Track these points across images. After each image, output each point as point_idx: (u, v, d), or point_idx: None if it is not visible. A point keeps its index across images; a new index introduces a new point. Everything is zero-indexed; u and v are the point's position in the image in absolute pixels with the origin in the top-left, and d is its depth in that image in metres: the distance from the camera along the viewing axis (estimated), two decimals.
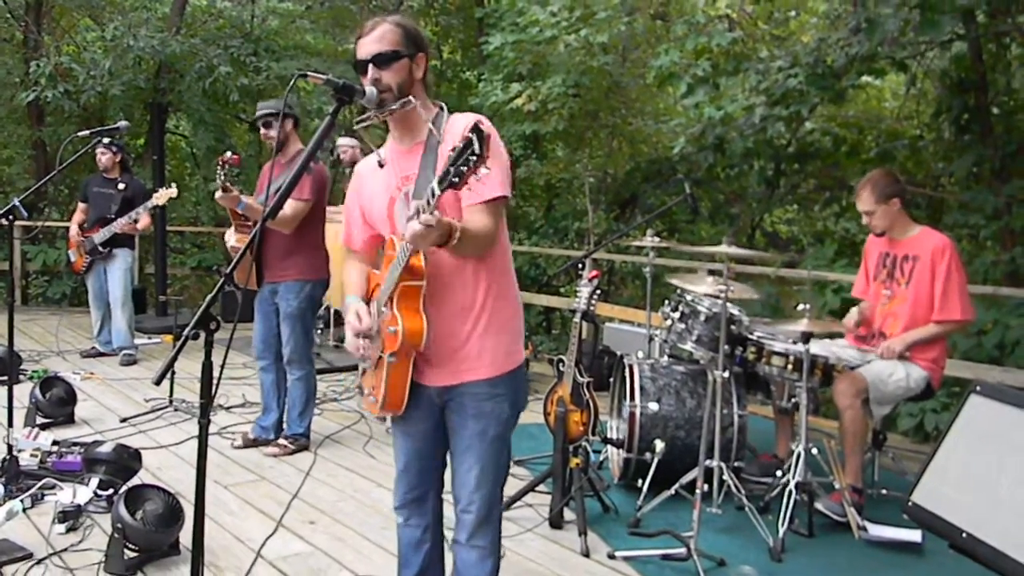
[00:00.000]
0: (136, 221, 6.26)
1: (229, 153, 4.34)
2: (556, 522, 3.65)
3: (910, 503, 2.56)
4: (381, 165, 2.27)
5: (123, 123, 4.18)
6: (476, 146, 1.78)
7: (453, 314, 2.22)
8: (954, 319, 3.81)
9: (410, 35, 2.22)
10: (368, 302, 2.32)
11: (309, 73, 2.13)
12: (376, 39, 2.19)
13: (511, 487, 3.92)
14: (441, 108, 2.29)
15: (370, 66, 2.17)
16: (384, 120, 2.25)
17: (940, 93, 8.22)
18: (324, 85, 2.07)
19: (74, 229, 6.54)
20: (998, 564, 2.22)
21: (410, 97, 2.18)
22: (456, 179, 1.80)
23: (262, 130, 4.52)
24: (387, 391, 2.21)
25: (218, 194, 4.27)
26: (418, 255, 2.11)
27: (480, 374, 2.25)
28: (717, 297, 3.70)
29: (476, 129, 1.77)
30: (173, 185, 6.11)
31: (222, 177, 4.22)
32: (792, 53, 7.17)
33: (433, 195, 1.85)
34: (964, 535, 2.34)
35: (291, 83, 2.22)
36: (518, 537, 3.53)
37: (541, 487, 3.89)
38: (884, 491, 4.04)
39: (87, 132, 4.06)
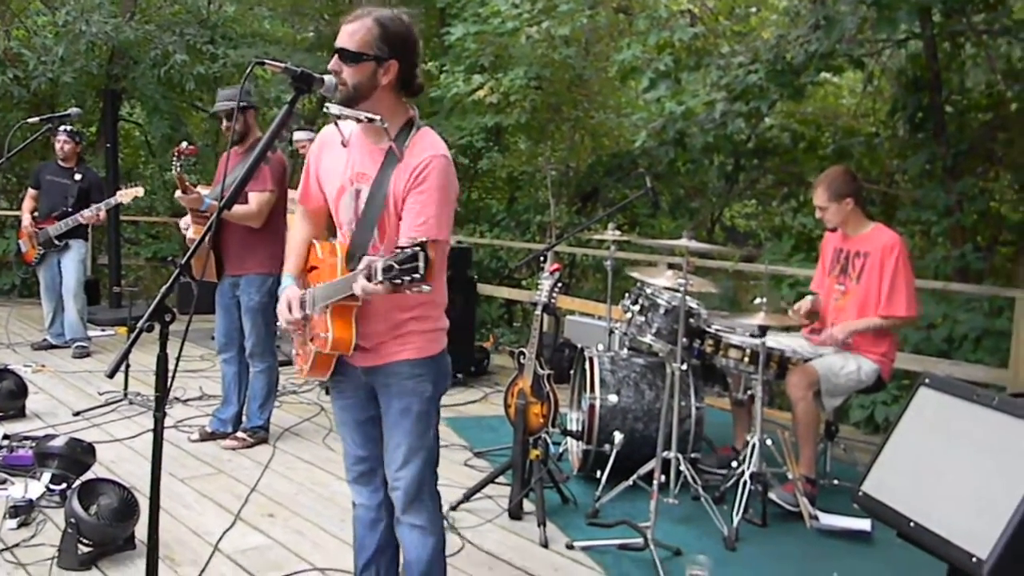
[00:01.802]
0: (95, 215, 6.14)
1: (185, 144, 4.27)
2: (515, 513, 3.67)
3: (860, 493, 2.62)
4: (344, 145, 2.30)
5: (75, 110, 4.10)
6: (421, 268, 1.86)
7: (381, 317, 2.28)
8: (898, 315, 3.89)
9: (388, 37, 2.15)
10: (303, 283, 2.39)
11: (267, 61, 2.09)
12: (349, 33, 2.17)
13: (471, 479, 3.96)
14: (411, 120, 2.24)
15: (336, 56, 2.17)
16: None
17: (896, 91, 8.38)
18: (282, 73, 2.05)
19: (27, 219, 6.37)
20: (944, 552, 2.28)
21: (364, 115, 2.17)
22: (397, 282, 1.88)
23: (224, 122, 4.44)
24: (312, 368, 2.35)
25: (178, 194, 4.20)
26: None
27: (402, 356, 2.30)
28: (676, 290, 3.74)
29: (424, 250, 1.86)
30: (139, 185, 6.01)
31: (178, 168, 4.16)
32: (752, 49, 7.25)
33: (373, 278, 1.92)
34: (912, 524, 2.39)
35: (248, 70, 2.18)
36: (478, 528, 3.54)
37: (501, 478, 3.91)
38: (836, 481, 4.13)
39: (37, 119, 3.97)
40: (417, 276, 1.86)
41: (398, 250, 1.90)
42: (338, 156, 2.32)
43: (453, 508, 3.66)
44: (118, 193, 5.91)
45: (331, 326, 2.22)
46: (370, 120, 2.17)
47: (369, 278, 1.94)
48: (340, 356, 2.33)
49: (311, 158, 2.42)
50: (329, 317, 2.22)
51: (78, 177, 6.32)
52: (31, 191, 6.48)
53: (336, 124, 2.29)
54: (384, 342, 2.30)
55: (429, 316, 2.33)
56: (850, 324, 3.94)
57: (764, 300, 3.73)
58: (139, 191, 5.90)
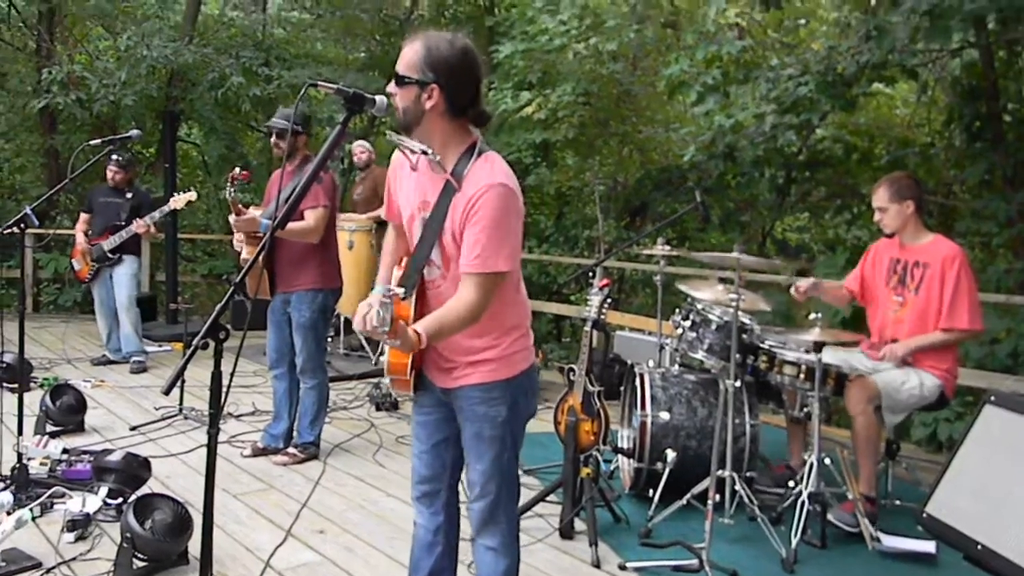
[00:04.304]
0: (149, 225, 6.28)
1: (238, 169, 4.35)
2: (567, 532, 3.63)
3: (924, 514, 2.53)
4: (413, 169, 2.29)
5: (135, 132, 4.19)
6: (387, 320, 1.95)
7: (451, 345, 2.28)
8: (960, 327, 3.77)
9: (431, 61, 2.11)
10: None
11: (319, 82, 2.13)
12: (402, 56, 2.17)
13: (522, 497, 3.91)
14: (473, 145, 2.21)
15: (393, 79, 2.18)
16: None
17: (951, 100, 8.20)
18: (334, 94, 2.07)
19: (80, 238, 6.56)
20: None
21: (419, 147, 2.18)
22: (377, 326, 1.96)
23: (273, 138, 4.53)
24: (392, 384, 2.37)
25: (232, 218, 4.28)
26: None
27: (473, 380, 2.30)
28: (728, 306, 3.68)
29: (390, 303, 1.97)
30: (192, 189, 6.14)
31: (231, 193, 4.24)
32: (802, 61, 7.17)
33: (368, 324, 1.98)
34: (979, 547, 2.31)
35: (301, 92, 2.21)
36: (528, 547, 3.49)
37: (551, 497, 3.87)
38: (898, 501, 4.00)
39: (99, 141, 4.06)
40: (384, 329, 1.94)
41: (383, 299, 1.97)
42: (410, 180, 2.31)
43: None
44: (171, 200, 6.05)
45: (387, 351, 2.24)
46: (424, 153, 2.16)
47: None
48: (422, 372, 2.36)
49: (391, 178, 2.42)
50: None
51: (129, 195, 6.50)
52: (83, 215, 6.67)
53: (402, 151, 2.28)
54: (458, 365, 2.31)
55: (504, 340, 2.31)
56: (912, 341, 3.83)
57: (819, 315, 3.65)
58: (192, 195, 6.01)
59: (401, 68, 2.16)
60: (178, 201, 5.99)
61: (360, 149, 7.27)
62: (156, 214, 6.24)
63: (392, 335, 1.98)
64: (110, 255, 6.42)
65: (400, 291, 2.07)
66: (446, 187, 2.19)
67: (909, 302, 3.92)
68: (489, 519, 2.38)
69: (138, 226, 6.26)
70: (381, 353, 2.38)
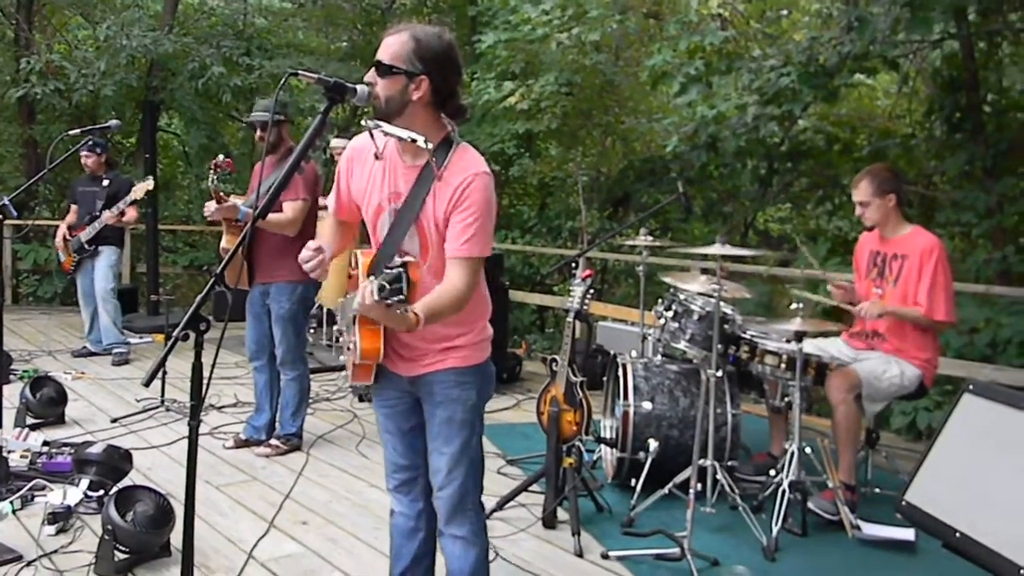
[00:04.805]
0: (122, 214, 6.24)
1: (222, 157, 4.31)
2: (549, 522, 3.64)
3: (903, 502, 2.56)
4: (377, 157, 2.27)
5: (114, 122, 4.15)
6: (404, 289, 1.89)
7: (423, 333, 2.23)
8: (936, 318, 3.81)
9: (421, 53, 2.13)
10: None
11: (300, 72, 2.10)
12: (385, 45, 2.17)
13: (504, 487, 3.94)
14: (448, 137, 2.22)
15: (373, 68, 2.17)
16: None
17: (932, 92, 8.24)
18: (316, 84, 2.06)
19: (62, 230, 6.53)
20: (991, 563, 2.21)
21: (408, 135, 2.13)
22: (388, 302, 1.88)
23: (258, 132, 4.50)
24: (354, 375, 2.37)
25: (211, 208, 4.24)
26: None
27: (446, 365, 2.32)
28: (710, 296, 3.70)
29: (406, 271, 1.89)
30: (149, 178, 6.15)
31: (214, 181, 4.20)
32: (784, 52, 7.18)
33: (384, 294, 1.89)
34: (957, 534, 2.33)
35: (282, 82, 2.20)
36: (511, 537, 3.52)
37: (534, 487, 3.88)
38: (877, 490, 4.04)
39: (78, 131, 4.02)
40: (401, 297, 1.89)
41: (387, 270, 1.91)
42: (372, 172, 2.28)
43: (487, 516, 3.64)
44: (132, 191, 6.04)
45: (359, 335, 2.23)
46: (413, 140, 2.14)
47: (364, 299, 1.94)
48: (382, 364, 2.35)
49: (340, 172, 2.38)
50: (357, 327, 2.23)
51: (105, 183, 6.45)
52: (72, 207, 6.64)
53: (371, 135, 2.25)
54: (428, 352, 2.32)
55: (474, 328, 2.35)
56: (890, 305, 3.85)
57: (800, 305, 3.68)
58: (149, 184, 6.05)
59: (387, 58, 2.15)
60: (137, 191, 6.00)
61: (337, 152, 7.15)
62: (121, 204, 6.21)
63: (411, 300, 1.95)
64: (87, 246, 6.38)
65: (411, 258, 2.09)
66: (422, 177, 2.19)
67: (888, 294, 3.95)
68: (458, 506, 2.38)
69: (107, 217, 6.23)
70: None
